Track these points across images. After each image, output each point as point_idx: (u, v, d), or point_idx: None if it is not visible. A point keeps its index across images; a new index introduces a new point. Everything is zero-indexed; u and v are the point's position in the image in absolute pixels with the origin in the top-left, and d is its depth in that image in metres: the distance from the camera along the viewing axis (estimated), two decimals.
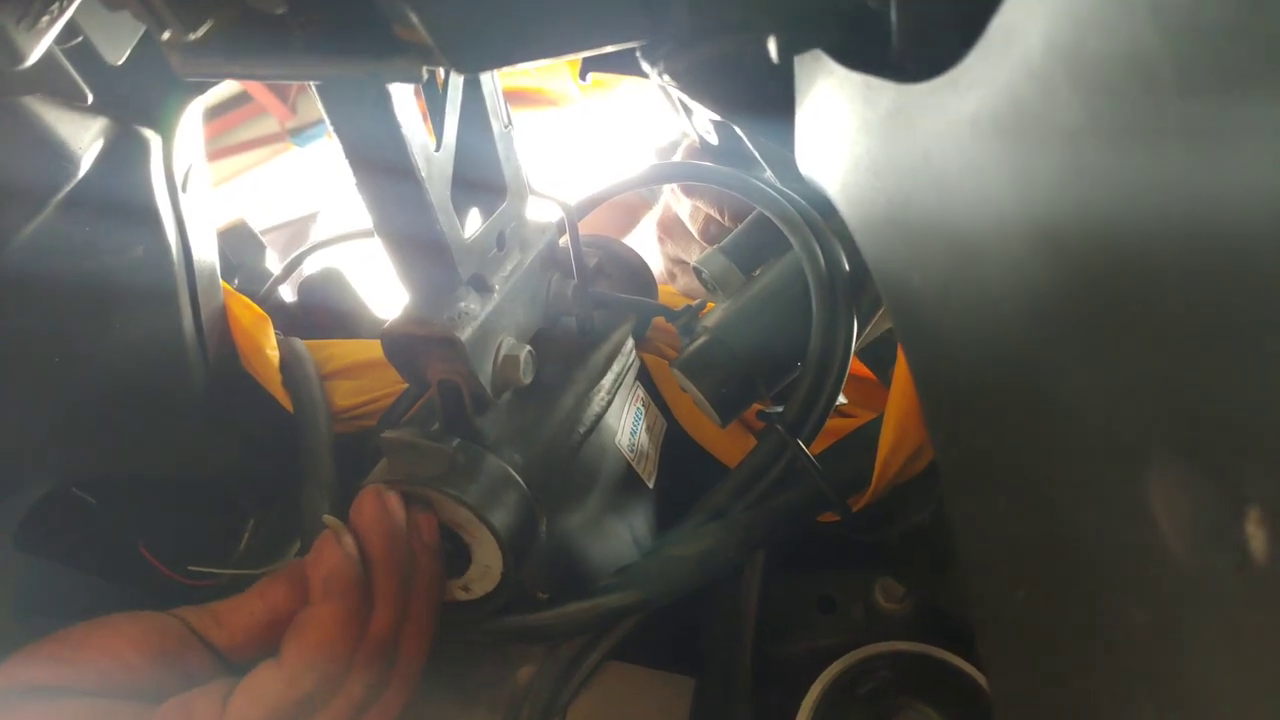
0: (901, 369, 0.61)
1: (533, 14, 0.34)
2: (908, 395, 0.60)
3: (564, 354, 0.65)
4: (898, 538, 0.67)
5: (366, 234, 0.90)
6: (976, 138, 0.29)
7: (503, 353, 0.55)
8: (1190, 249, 0.22)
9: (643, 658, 0.65)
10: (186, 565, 0.71)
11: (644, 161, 1.51)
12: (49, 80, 0.45)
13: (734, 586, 0.67)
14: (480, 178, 0.56)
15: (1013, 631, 0.37)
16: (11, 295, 0.56)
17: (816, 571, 0.71)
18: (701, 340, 0.66)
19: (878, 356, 0.79)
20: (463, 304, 0.52)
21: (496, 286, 0.55)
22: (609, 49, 0.37)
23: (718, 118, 0.59)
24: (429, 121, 0.48)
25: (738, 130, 0.61)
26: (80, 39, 0.44)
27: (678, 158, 1.07)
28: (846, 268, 0.64)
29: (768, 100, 0.46)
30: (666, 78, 0.41)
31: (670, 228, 1.09)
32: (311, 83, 0.42)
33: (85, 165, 0.53)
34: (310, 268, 0.93)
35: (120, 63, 0.46)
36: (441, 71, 0.48)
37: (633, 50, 0.40)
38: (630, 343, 0.72)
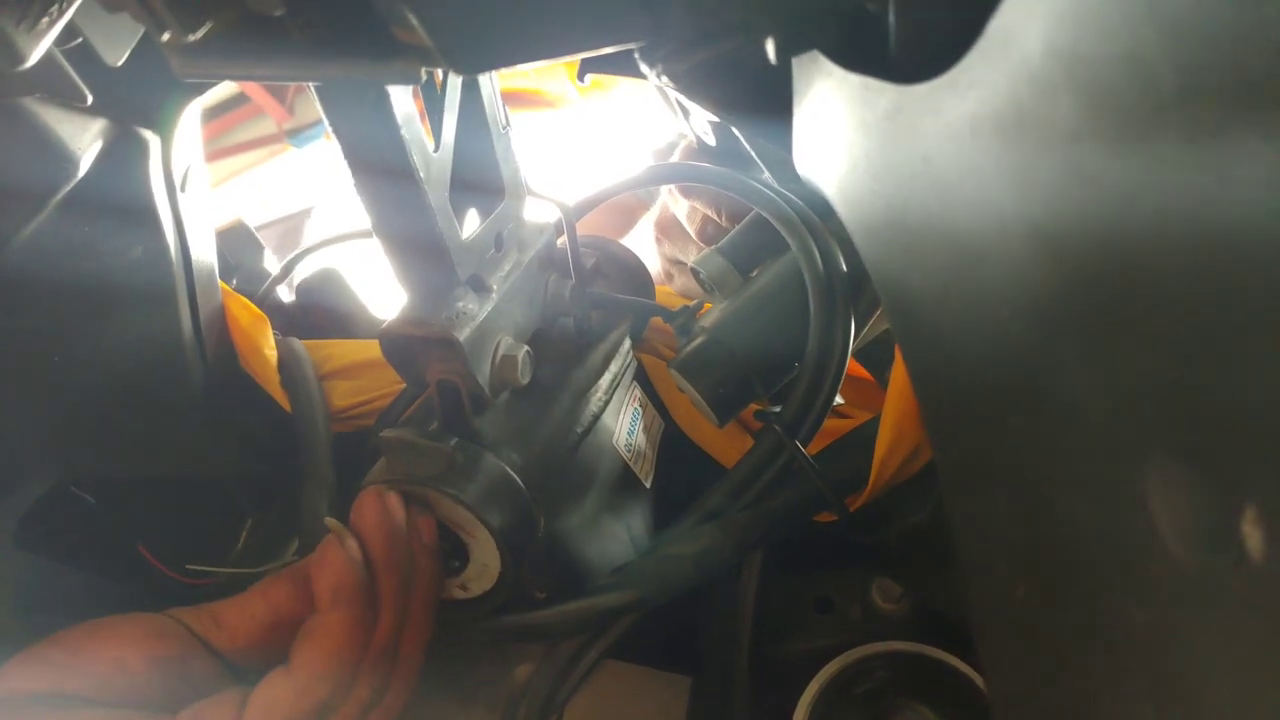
0: (899, 370, 0.61)
1: (532, 15, 0.34)
2: (905, 396, 0.60)
3: (562, 354, 0.65)
4: (895, 538, 0.68)
5: (364, 234, 0.90)
6: (975, 139, 0.29)
7: (501, 353, 0.55)
8: (1189, 250, 0.22)
9: (640, 657, 0.65)
10: (185, 564, 0.71)
11: (641, 162, 1.51)
12: (49, 81, 0.45)
13: (731, 586, 0.67)
14: (478, 178, 0.56)
15: (1011, 630, 0.37)
16: (11, 295, 0.56)
17: (814, 571, 0.71)
18: (699, 340, 0.67)
19: (875, 357, 0.79)
20: (461, 304, 0.53)
21: (494, 287, 0.55)
22: (608, 50, 0.37)
23: (716, 119, 0.59)
24: (427, 122, 0.48)
25: (735, 131, 0.62)
26: (80, 40, 0.44)
27: (675, 159, 1.07)
28: (844, 269, 0.64)
29: (766, 101, 0.46)
30: (665, 79, 0.41)
31: (668, 228, 1.09)
32: (310, 84, 0.42)
33: (84, 166, 0.53)
34: (308, 268, 0.93)
35: (119, 64, 0.46)
36: (440, 73, 0.48)
37: (631, 52, 0.40)
38: (627, 343, 0.72)
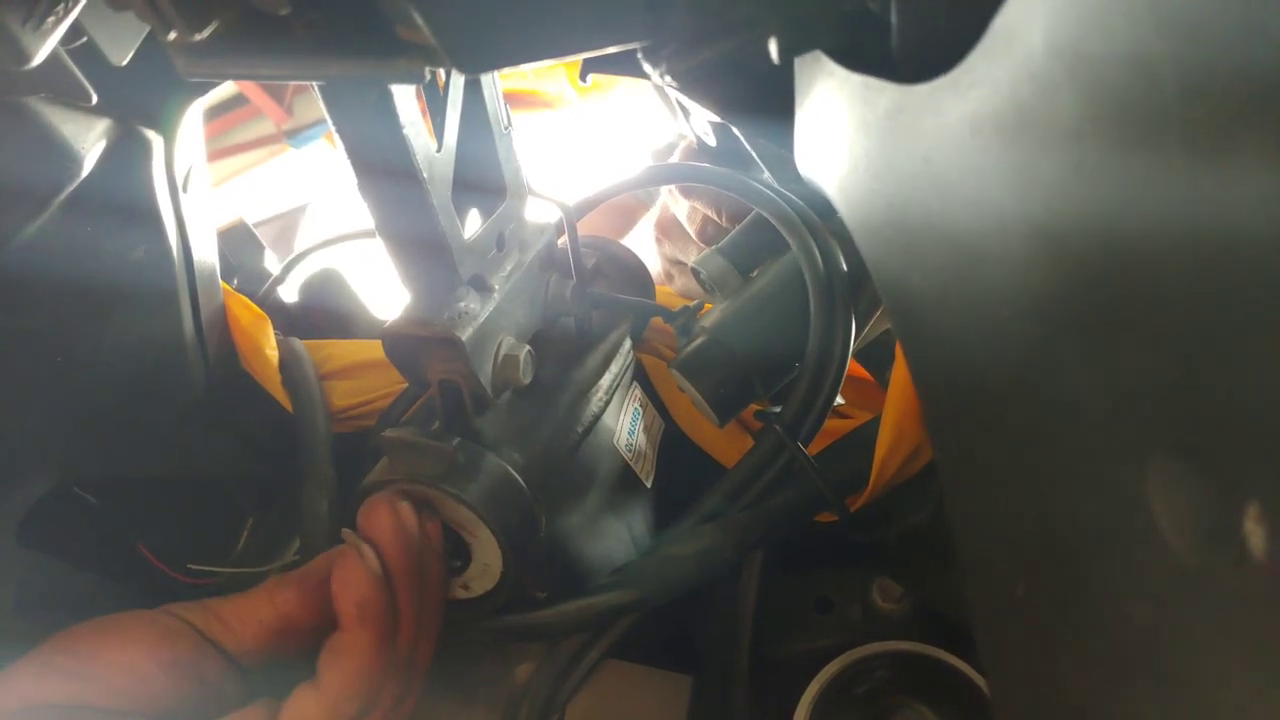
0: (899, 370, 0.61)
1: (536, 15, 0.34)
2: (905, 396, 0.60)
3: (562, 354, 0.66)
4: (895, 538, 0.68)
5: (366, 234, 0.91)
6: (977, 138, 0.29)
7: (502, 353, 0.55)
8: (1190, 249, 0.22)
9: (641, 656, 0.65)
10: (186, 563, 0.71)
11: (641, 163, 1.51)
12: (54, 81, 0.45)
13: (732, 586, 0.67)
14: (480, 179, 0.56)
15: (1012, 629, 0.37)
16: (13, 295, 0.56)
17: (814, 571, 0.71)
18: (699, 341, 0.67)
19: (875, 357, 0.79)
20: (463, 304, 0.53)
21: (496, 287, 0.55)
22: (611, 50, 0.37)
23: (717, 119, 0.59)
24: (429, 122, 0.48)
25: (735, 131, 0.62)
26: (84, 39, 0.44)
27: (675, 159, 1.07)
28: (844, 269, 0.64)
29: (767, 101, 0.46)
30: (668, 79, 0.41)
31: (668, 228, 1.09)
32: (314, 83, 0.43)
33: (88, 165, 0.53)
34: (308, 268, 0.93)
35: (124, 63, 0.46)
36: (442, 72, 0.48)
37: (633, 51, 0.40)
38: (628, 343, 0.72)
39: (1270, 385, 0.21)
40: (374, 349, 0.76)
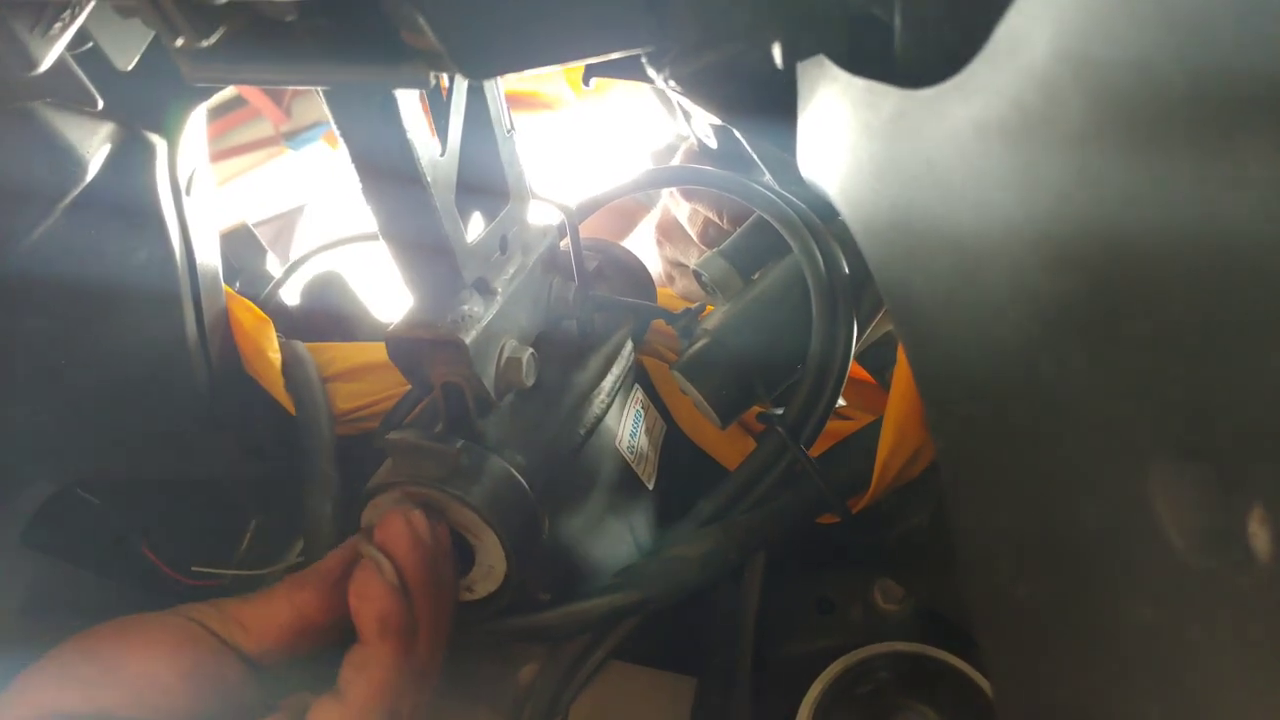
0: (901, 372, 0.61)
1: (542, 21, 0.34)
2: (907, 398, 0.61)
3: (564, 357, 0.66)
4: (896, 539, 0.68)
5: (367, 237, 0.91)
6: (981, 142, 0.30)
7: (506, 355, 0.56)
8: (1195, 253, 0.22)
9: (644, 658, 0.65)
10: (189, 565, 0.71)
11: (640, 165, 1.51)
12: (60, 86, 0.45)
13: (734, 587, 0.67)
14: (483, 182, 0.56)
15: (1015, 630, 0.37)
16: (18, 297, 0.56)
17: (816, 573, 0.72)
18: (701, 343, 0.67)
19: (876, 359, 0.80)
20: (466, 307, 0.53)
21: (499, 290, 0.56)
22: (616, 55, 0.37)
23: (718, 122, 0.59)
24: (432, 126, 0.49)
25: (737, 134, 0.62)
26: (90, 45, 0.44)
27: (677, 161, 1.07)
28: (846, 271, 0.65)
29: (770, 105, 0.46)
30: (672, 83, 0.41)
31: (669, 231, 1.09)
32: (318, 88, 0.43)
33: (93, 169, 0.54)
34: (309, 270, 0.93)
35: (129, 68, 0.47)
36: (446, 77, 0.48)
37: (637, 56, 0.40)
38: (630, 345, 0.72)
39: (1274, 387, 0.21)
40: (376, 351, 0.76)
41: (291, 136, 3.90)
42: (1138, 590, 0.28)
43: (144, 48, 0.47)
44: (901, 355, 0.61)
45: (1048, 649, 0.35)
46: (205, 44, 0.34)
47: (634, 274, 0.79)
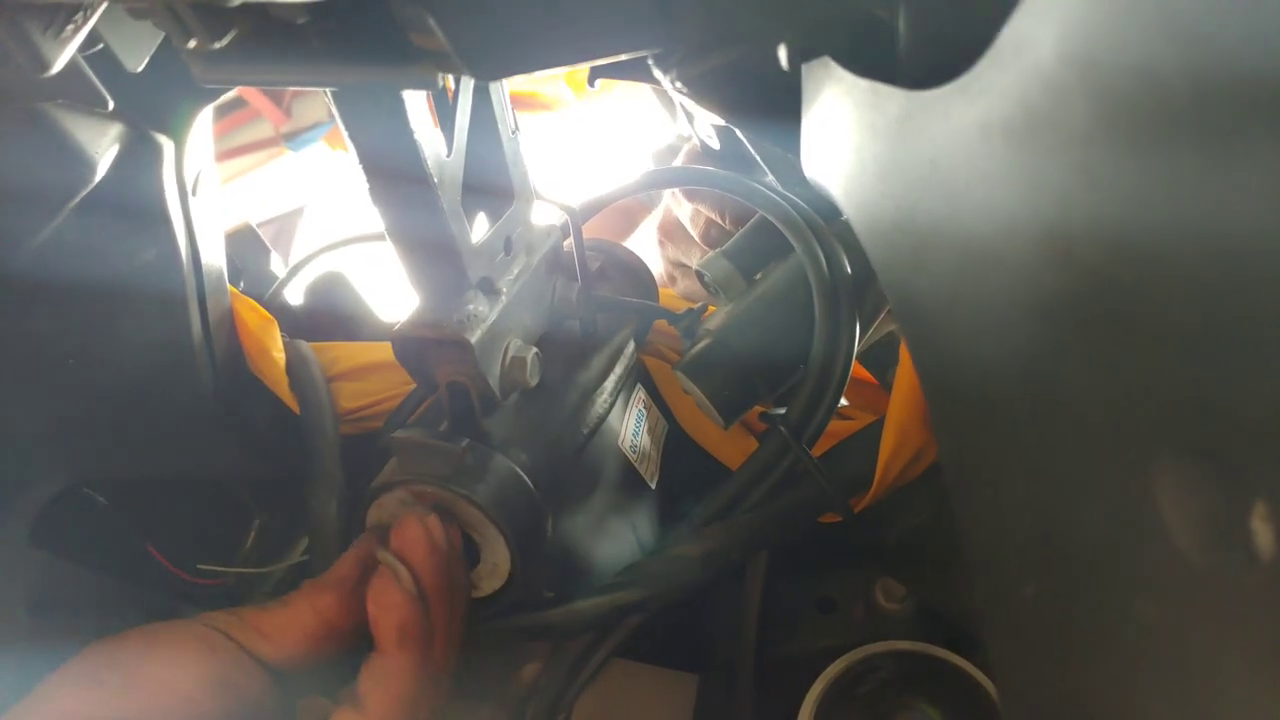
0: (903, 373, 0.62)
1: (551, 23, 0.34)
2: (909, 399, 0.61)
3: (568, 356, 0.66)
4: (898, 539, 0.68)
5: (372, 237, 0.91)
6: (985, 143, 0.30)
7: (510, 355, 0.56)
8: (1200, 252, 0.22)
9: (647, 656, 0.65)
10: (194, 564, 0.71)
11: (641, 164, 1.52)
12: (72, 87, 0.46)
13: (737, 586, 0.68)
14: (488, 182, 0.56)
15: (1020, 628, 0.37)
16: (27, 297, 0.56)
17: (818, 572, 0.72)
18: (704, 343, 0.67)
19: (878, 359, 0.80)
20: (471, 307, 0.53)
21: (504, 290, 0.56)
22: (624, 57, 0.37)
23: (721, 122, 0.60)
24: (439, 127, 0.49)
25: (740, 135, 0.62)
26: (101, 46, 0.45)
27: (679, 162, 1.07)
28: (848, 271, 0.65)
29: (774, 106, 0.46)
30: (678, 85, 0.42)
31: (671, 231, 1.09)
32: (326, 90, 0.43)
33: (101, 170, 0.54)
34: (313, 270, 0.94)
35: (139, 70, 0.47)
36: (452, 78, 0.49)
37: (643, 57, 0.41)
38: (632, 345, 0.72)
39: (1276, 386, 0.21)
40: (380, 351, 0.76)
41: (291, 137, 3.90)
42: (1141, 588, 0.28)
43: (154, 49, 0.47)
44: (903, 355, 0.61)
45: (1053, 647, 0.35)
46: (217, 46, 0.34)
47: (636, 274, 0.79)
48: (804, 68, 0.42)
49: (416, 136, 0.45)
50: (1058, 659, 0.35)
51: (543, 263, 0.61)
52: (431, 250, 0.51)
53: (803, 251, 0.65)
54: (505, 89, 0.55)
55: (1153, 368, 0.25)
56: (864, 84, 0.37)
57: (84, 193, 0.54)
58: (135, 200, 0.58)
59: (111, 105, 0.48)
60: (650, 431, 0.73)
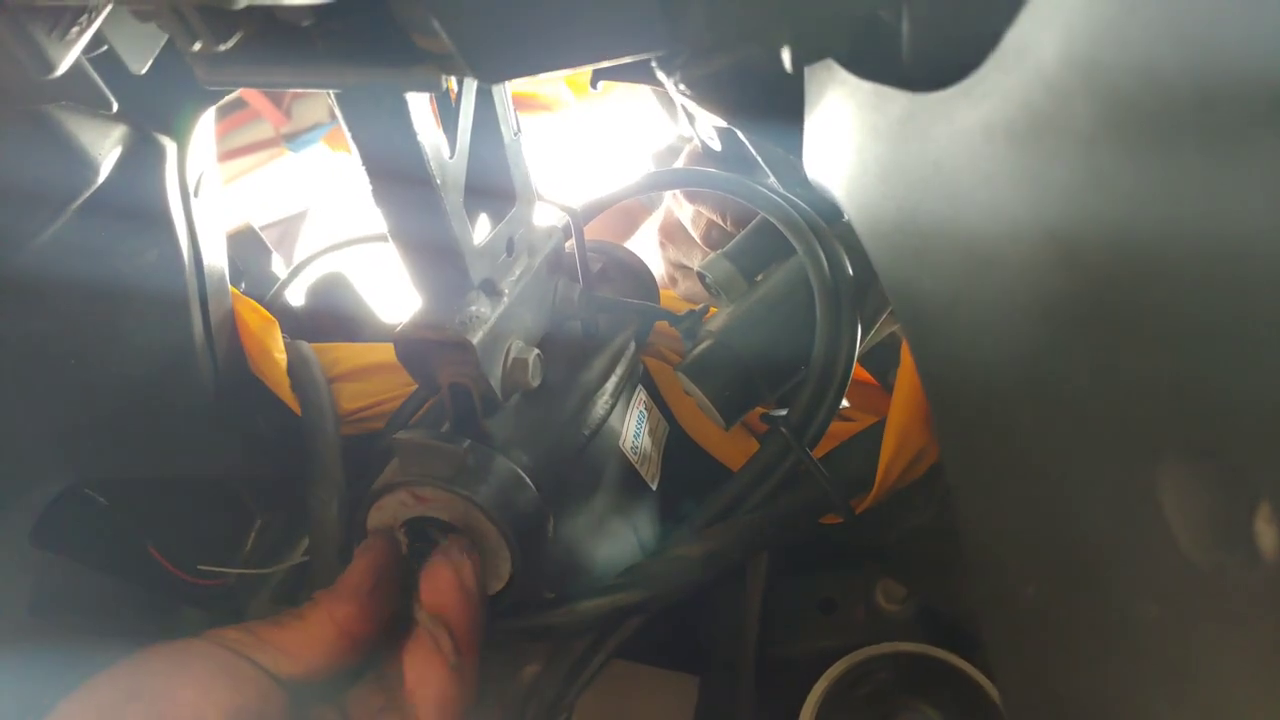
0: (904, 374, 0.62)
1: (555, 25, 0.34)
2: (910, 400, 0.61)
3: (569, 357, 0.66)
4: (899, 540, 0.68)
5: (373, 239, 0.91)
6: (989, 144, 0.30)
7: (512, 356, 0.56)
8: (1203, 252, 0.22)
9: (648, 657, 0.65)
10: (195, 564, 0.71)
11: (642, 166, 1.52)
12: (76, 89, 0.46)
13: (737, 587, 0.68)
14: (490, 184, 0.56)
15: (1022, 629, 0.37)
16: (29, 298, 0.56)
17: (818, 573, 0.72)
18: (706, 344, 0.67)
19: (879, 361, 0.80)
20: (473, 308, 0.53)
21: (506, 291, 0.56)
22: (628, 59, 0.37)
23: (722, 124, 0.60)
24: (441, 129, 0.49)
25: (741, 136, 0.62)
26: (105, 48, 0.45)
27: (680, 163, 1.07)
28: (850, 273, 0.65)
29: (777, 107, 0.46)
30: (682, 86, 0.42)
31: (672, 233, 1.09)
32: (330, 91, 0.43)
33: (104, 171, 0.54)
34: (315, 272, 0.94)
35: (143, 71, 0.47)
36: (455, 80, 0.49)
37: (647, 60, 0.41)
38: (633, 346, 0.72)
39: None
40: (381, 352, 0.76)
41: (292, 139, 3.89)
42: (1145, 589, 0.28)
43: (158, 51, 0.47)
44: (905, 356, 0.61)
45: (1056, 648, 0.35)
46: (222, 48, 0.34)
47: (637, 276, 0.79)
48: (807, 70, 0.43)
49: (419, 138, 0.45)
50: (1059, 660, 0.35)
51: (544, 264, 0.61)
52: (433, 251, 0.51)
53: (804, 253, 0.65)
54: (507, 91, 0.56)
55: (1155, 368, 0.25)
56: (867, 86, 0.37)
57: (87, 194, 0.54)
58: (138, 201, 0.58)
59: (115, 107, 0.49)
60: (651, 433, 0.73)
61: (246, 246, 0.93)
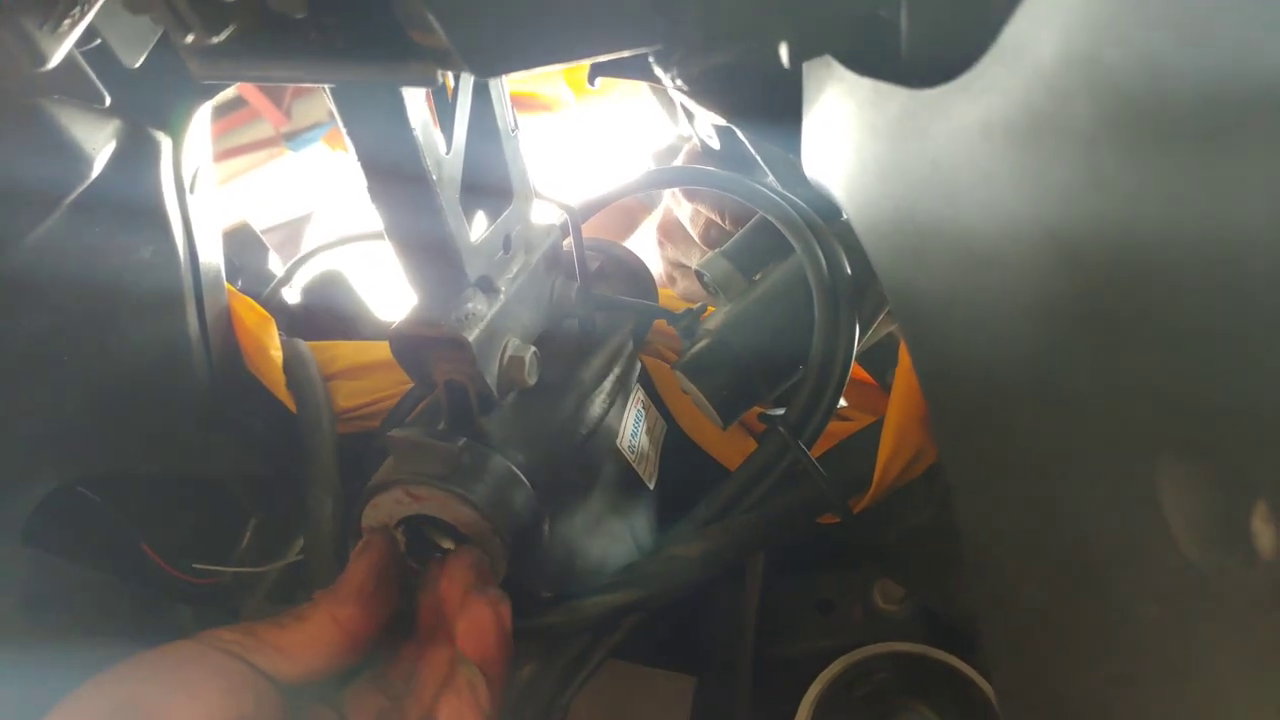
0: (902, 374, 0.61)
1: (551, 19, 0.34)
2: (908, 399, 0.61)
3: (566, 356, 0.66)
4: (896, 540, 0.68)
5: (369, 236, 0.91)
6: (987, 143, 0.30)
7: (508, 354, 0.56)
8: (1202, 252, 0.22)
9: (644, 657, 0.65)
10: (189, 563, 0.71)
11: (641, 165, 1.52)
12: (68, 82, 0.46)
13: (735, 587, 0.67)
14: (487, 181, 0.56)
15: (1020, 630, 0.37)
16: (23, 295, 0.56)
17: (816, 573, 0.72)
18: (704, 343, 0.67)
19: (877, 360, 0.80)
20: (470, 305, 0.53)
21: (502, 288, 0.56)
22: (624, 54, 0.37)
23: (721, 122, 0.59)
24: (438, 125, 0.49)
25: (740, 134, 0.62)
26: (98, 42, 0.45)
27: (679, 162, 1.07)
28: (848, 272, 0.65)
29: (775, 105, 0.46)
30: (679, 83, 0.42)
31: (671, 231, 1.09)
32: (325, 86, 0.43)
33: (98, 167, 0.54)
34: (312, 270, 0.94)
35: (136, 65, 0.47)
36: (451, 75, 0.49)
37: (643, 56, 0.40)
38: (631, 345, 0.72)
39: (1278, 386, 0.21)
40: (378, 350, 0.76)
41: (291, 138, 3.90)
42: (1143, 588, 0.28)
43: (151, 45, 0.47)
44: (903, 356, 0.61)
45: (1052, 648, 0.35)
46: (215, 41, 0.34)
47: (636, 274, 0.79)
48: (805, 66, 0.42)
49: (415, 134, 0.44)
50: (1056, 660, 0.35)
51: (542, 262, 0.60)
52: (430, 248, 0.51)
53: (802, 251, 0.65)
54: (505, 87, 0.55)
55: (1154, 368, 0.25)
56: (865, 83, 0.37)
57: (80, 189, 0.54)
58: (132, 197, 0.58)
59: (109, 101, 0.48)
60: (649, 431, 0.73)
61: (243, 244, 0.93)
